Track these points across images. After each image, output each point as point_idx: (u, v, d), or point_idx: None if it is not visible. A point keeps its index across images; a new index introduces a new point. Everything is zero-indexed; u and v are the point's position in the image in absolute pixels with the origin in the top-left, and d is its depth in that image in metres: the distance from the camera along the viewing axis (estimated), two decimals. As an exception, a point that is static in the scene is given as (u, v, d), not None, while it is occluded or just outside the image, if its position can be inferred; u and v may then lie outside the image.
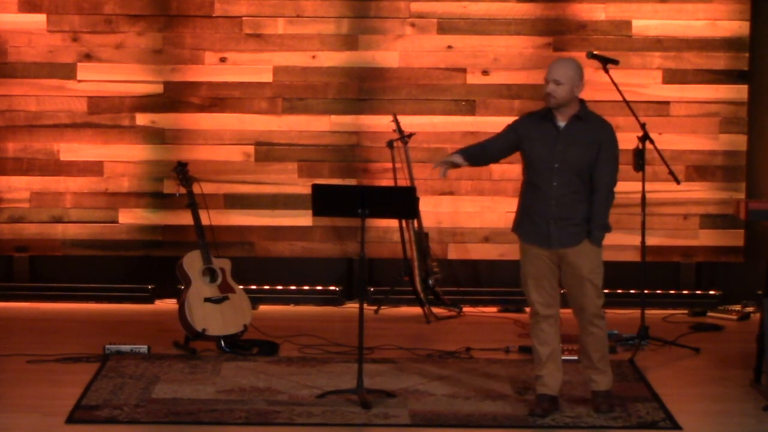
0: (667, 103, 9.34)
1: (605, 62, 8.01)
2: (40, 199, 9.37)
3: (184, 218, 8.62)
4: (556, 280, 6.55)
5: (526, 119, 6.58)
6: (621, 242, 9.17)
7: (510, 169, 9.37)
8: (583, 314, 6.53)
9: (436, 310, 9.02)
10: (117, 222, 9.40)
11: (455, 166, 6.56)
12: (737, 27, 9.31)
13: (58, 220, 9.38)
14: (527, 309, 9.21)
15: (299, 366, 7.51)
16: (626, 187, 8.99)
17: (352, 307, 9.22)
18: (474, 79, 9.34)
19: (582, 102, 6.47)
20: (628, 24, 9.32)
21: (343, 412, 6.57)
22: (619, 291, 9.18)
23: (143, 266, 9.43)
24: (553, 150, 6.39)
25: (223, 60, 9.31)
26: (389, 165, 9.06)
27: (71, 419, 6.41)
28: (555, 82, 6.35)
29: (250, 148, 9.36)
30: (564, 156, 6.38)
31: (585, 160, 6.38)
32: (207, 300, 7.83)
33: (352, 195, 6.94)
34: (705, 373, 7.52)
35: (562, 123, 6.43)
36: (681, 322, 8.91)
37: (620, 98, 8.00)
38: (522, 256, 6.62)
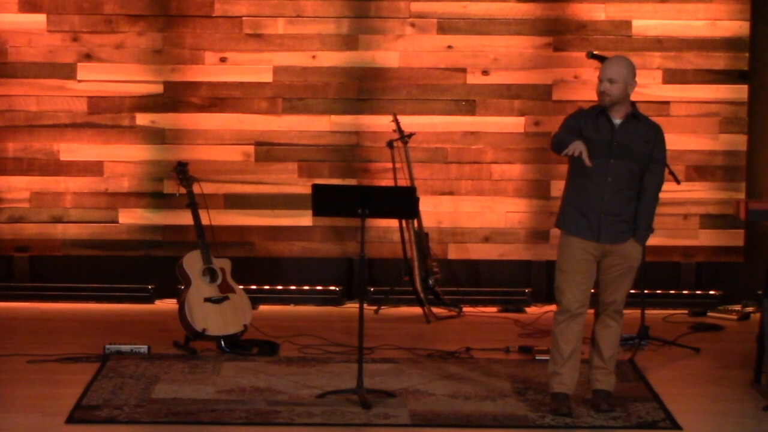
0: (667, 103, 9.34)
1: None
2: (40, 199, 9.37)
3: (184, 218, 8.62)
4: (593, 281, 6.56)
5: (580, 114, 6.58)
6: (621, 242, 9.19)
7: (510, 169, 9.38)
8: (609, 308, 6.57)
9: (436, 310, 9.02)
10: (117, 222, 9.40)
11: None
12: (737, 27, 9.31)
13: (58, 220, 9.38)
14: (527, 309, 9.31)
15: (299, 366, 7.51)
16: (626, 187, 9.01)
17: (352, 307, 9.22)
18: (474, 79, 9.34)
19: (633, 103, 6.53)
20: (628, 24, 9.32)
21: (343, 412, 6.57)
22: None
23: (143, 266, 9.43)
24: (610, 146, 6.42)
25: (223, 60, 9.31)
26: (389, 165, 9.06)
27: (71, 419, 6.41)
28: (609, 80, 6.41)
29: (250, 148, 9.36)
30: (620, 152, 6.42)
31: (639, 159, 6.44)
32: (207, 300, 7.83)
33: (352, 195, 6.94)
34: (705, 373, 7.52)
35: (617, 120, 6.48)
36: (681, 322, 8.91)
37: (620, 98, 8.00)
38: (563, 251, 6.54)
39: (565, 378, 6.56)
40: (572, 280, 6.48)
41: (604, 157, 6.41)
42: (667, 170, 8.04)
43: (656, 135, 6.52)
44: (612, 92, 6.41)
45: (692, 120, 9.35)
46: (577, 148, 6.28)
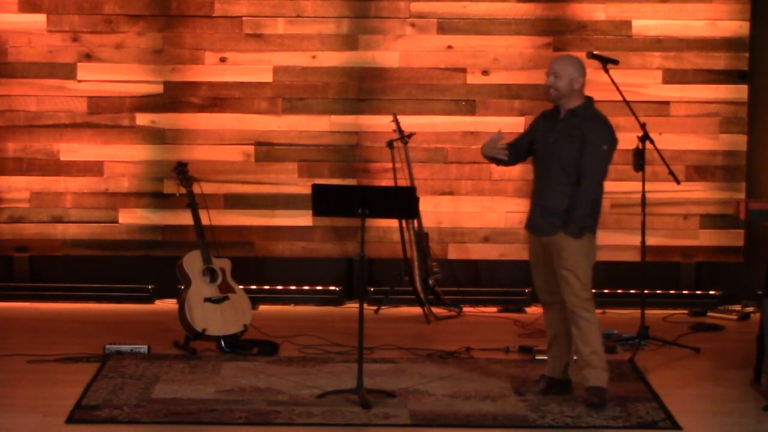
0: (667, 103, 9.34)
1: (605, 62, 8.01)
2: (40, 199, 9.37)
3: (184, 218, 8.62)
4: (551, 272, 6.71)
5: (540, 115, 6.85)
6: (621, 242, 9.20)
7: (510, 169, 9.36)
8: (566, 306, 6.65)
9: (436, 310, 9.02)
10: (117, 222, 9.40)
11: (498, 160, 6.75)
12: (737, 27, 9.31)
13: (58, 220, 9.38)
14: (527, 309, 9.33)
15: (299, 366, 7.51)
16: (626, 187, 9.03)
17: (352, 307, 9.22)
18: (474, 79, 9.34)
19: (588, 99, 6.65)
20: (628, 24, 9.32)
21: (343, 412, 6.57)
22: (619, 291, 9.22)
23: (143, 266, 9.43)
24: (547, 142, 6.66)
25: (223, 60, 9.31)
26: (389, 165, 9.06)
27: (71, 419, 6.41)
28: (554, 75, 6.62)
29: (250, 148, 9.36)
30: (553, 148, 6.62)
31: (569, 154, 6.58)
32: (207, 300, 7.83)
33: (352, 195, 6.94)
34: (705, 373, 7.52)
35: (561, 118, 6.68)
36: (681, 322, 8.91)
37: (620, 98, 8.00)
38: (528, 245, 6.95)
39: (549, 360, 6.92)
40: (534, 273, 6.85)
41: (543, 153, 6.67)
42: (667, 170, 8.09)
43: (590, 129, 6.56)
44: (557, 86, 6.60)
45: (692, 120, 9.35)
46: (486, 148, 6.70)
